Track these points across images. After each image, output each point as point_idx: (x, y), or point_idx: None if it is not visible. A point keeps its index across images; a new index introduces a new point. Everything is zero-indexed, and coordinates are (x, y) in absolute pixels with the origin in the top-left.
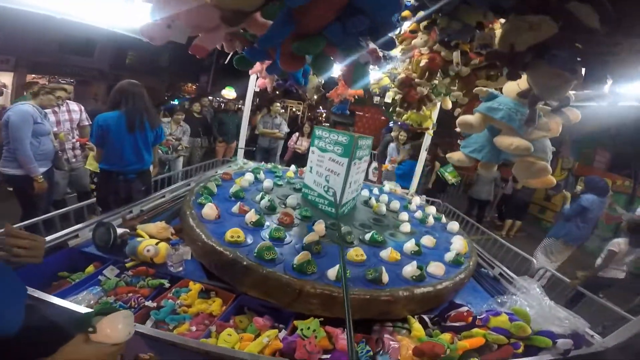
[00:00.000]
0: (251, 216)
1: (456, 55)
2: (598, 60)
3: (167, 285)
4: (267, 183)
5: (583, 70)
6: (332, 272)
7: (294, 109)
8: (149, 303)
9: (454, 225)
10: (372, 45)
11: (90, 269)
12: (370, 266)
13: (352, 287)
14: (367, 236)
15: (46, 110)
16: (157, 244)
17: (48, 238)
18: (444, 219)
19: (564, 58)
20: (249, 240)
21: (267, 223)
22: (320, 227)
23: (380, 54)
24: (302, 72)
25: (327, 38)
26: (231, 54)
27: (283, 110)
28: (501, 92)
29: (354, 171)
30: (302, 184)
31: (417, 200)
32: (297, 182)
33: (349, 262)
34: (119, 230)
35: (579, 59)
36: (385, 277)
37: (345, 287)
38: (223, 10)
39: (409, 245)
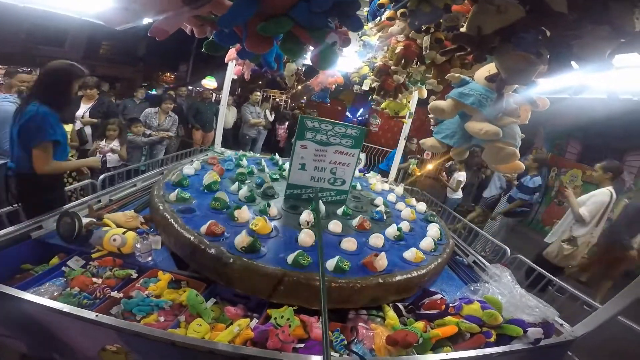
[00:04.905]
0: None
1: (426, 40)
2: (563, 44)
3: (135, 275)
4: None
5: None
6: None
7: (277, 99)
8: (114, 294)
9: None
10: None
11: (55, 260)
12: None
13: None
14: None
15: None
16: (124, 233)
17: (10, 229)
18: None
19: (530, 41)
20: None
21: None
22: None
23: (350, 36)
24: (274, 56)
25: (294, 19)
26: None
27: (267, 102)
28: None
29: None
30: (286, 185)
31: (399, 190)
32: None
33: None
34: (85, 220)
35: (544, 42)
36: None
37: (322, 275)
38: None
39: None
